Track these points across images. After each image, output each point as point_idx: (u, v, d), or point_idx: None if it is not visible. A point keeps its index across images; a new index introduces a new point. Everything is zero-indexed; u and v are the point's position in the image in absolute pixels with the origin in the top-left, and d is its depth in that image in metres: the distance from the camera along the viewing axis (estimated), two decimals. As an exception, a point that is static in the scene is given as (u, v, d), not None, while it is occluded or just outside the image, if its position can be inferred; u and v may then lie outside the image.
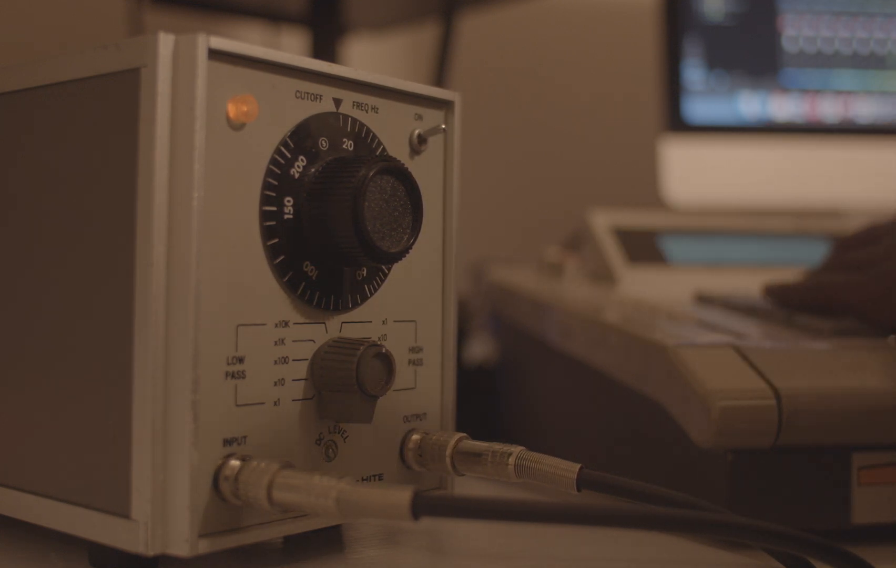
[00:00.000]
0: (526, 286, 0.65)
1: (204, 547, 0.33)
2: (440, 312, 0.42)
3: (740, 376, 0.41)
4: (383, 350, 0.36)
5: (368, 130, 0.39)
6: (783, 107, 0.95)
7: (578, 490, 0.38)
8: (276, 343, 0.35)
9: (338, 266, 0.37)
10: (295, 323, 0.36)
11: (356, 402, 0.36)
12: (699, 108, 0.93)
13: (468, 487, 0.44)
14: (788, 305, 0.54)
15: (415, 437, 0.40)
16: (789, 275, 0.58)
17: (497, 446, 0.39)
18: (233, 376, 0.34)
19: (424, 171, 0.41)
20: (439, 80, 0.82)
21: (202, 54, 0.32)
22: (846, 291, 0.50)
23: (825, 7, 0.96)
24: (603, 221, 0.71)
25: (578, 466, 0.38)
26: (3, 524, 0.39)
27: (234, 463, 0.33)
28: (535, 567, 0.38)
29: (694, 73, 0.93)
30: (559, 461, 0.38)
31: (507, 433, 0.64)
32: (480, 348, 0.73)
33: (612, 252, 0.68)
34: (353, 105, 0.38)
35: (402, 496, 0.30)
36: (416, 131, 0.40)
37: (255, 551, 0.38)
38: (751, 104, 0.94)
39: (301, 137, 0.36)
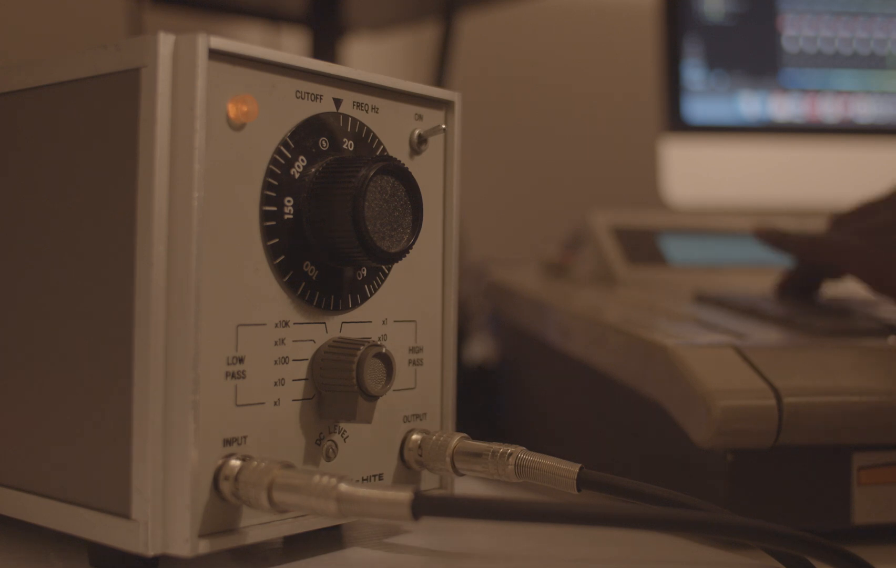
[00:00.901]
0: (526, 286, 0.65)
1: (204, 547, 0.33)
2: (440, 312, 0.42)
3: (740, 376, 0.41)
4: (383, 350, 0.36)
5: (368, 130, 0.39)
6: (783, 107, 0.95)
7: (578, 490, 0.38)
8: (276, 343, 0.35)
9: (338, 266, 0.37)
10: (295, 323, 0.36)
11: (356, 402, 0.36)
12: (699, 108, 0.93)
13: (468, 487, 0.44)
14: (783, 249, 0.55)
15: (415, 437, 0.40)
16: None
17: (497, 446, 0.39)
18: (233, 376, 0.34)
19: (424, 171, 0.41)
20: (439, 80, 0.82)
21: (202, 54, 0.32)
22: (849, 253, 0.51)
23: (825, 7, 0.96)
24: (603, 221, 0.71)
25: (578, 466, 0.38)
26: (3, 524, 0.39)
27: (234, 463, 0.33)
28: (535, 567, 0.38)
29: (694, 73, 0.93)
30: (559, 461, 0.38)
31: (507, 433, 0.64)
32: (480, 348, 0.73)
33: (612, 252, 0.68)
34: (354, 105, 0.38)
35: (402, 496, 0.30)
36: (416, 131, 0.40)
37: (255, 551, 0.38)
38: (751, 104, 0.94)
39: (301, 137, 0.36)
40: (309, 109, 0.36)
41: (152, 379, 0.32)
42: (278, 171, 0.35)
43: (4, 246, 0.38)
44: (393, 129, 0.40)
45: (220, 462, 0.33)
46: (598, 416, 0.53)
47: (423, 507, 0.30)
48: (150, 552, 0.32)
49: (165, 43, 0.33)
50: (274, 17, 0.92)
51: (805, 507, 0.41)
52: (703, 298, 0.58)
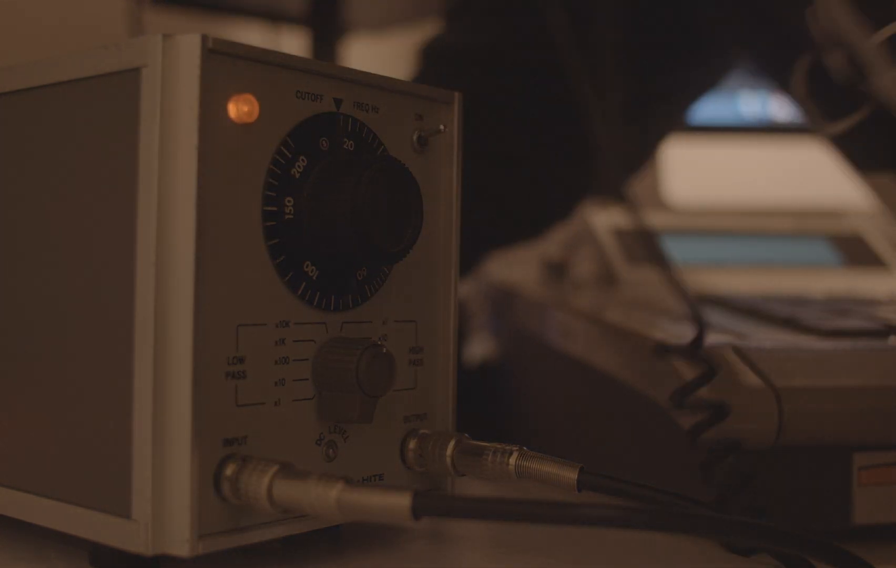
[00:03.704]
0: (526, 286, 0.65)
1: (204, 547, 0.33)
2: (440, 312, 0.42)
3: (740, 376, 0.41)
4: (384, 350, 0.36)
5: (369, 130, 0.39)
6: (783, 107, 0.95)
7: (578, 490, 0.38)
8: (276, 343, 0.35)
9: (338, 266, 0.37)
10: (295, 323, 0.36)
11: (356, 402, 0.36)
12: (699, 108, 0.93)
13: (468, 487, 0.44)
14: None
15: (415, 437, 0.40)
16: (789, 275, 0.58)
17: (497, 446, 0.39)
18: (233, 376, 0.34)
19: (425, 170, 0.41)
20: (439, 79, 0.82)
21: (202, 54, 0.32)
22: None
23: (825, 7, 0.95)
24: (603, 221, 0.71)
25: (578, 466, 0.38)
26: (3, 524, 0.39)
27: (235, 463, 0.33)
28: (536, 566, 0.38)
29: (694, 73, 0.93)
30: (559, 461, 0.38)
31: (507, 433, 0.64)
32: (480, 348, 0.73)
33: (612, 252, 0.68)
34: (354, 105, 0.38)
35: (402, 496, 0.30)
36: (417, 131, 0.40)
37: (255, 551, 0.38)
38: (751, 104, 0.94)
39: (301, 137, 0.36)
40: (309, 109, 0.36)
41: (152, 379, 0.32)
42: (278, 171, 0.35)
43: (4, 246, 0.38)
44: (393, 128, 0.40)
45: (220, 462, 0.33)
46: (598, 416, 0.53)
47: (423, 507, 0.30)
48: (150, 552, 0.32)
49: (165, 43, 0.33)
50: (274, 17, 0.92)
51: (805, 507, 0.41)
52: (703, 298, 0.58)
